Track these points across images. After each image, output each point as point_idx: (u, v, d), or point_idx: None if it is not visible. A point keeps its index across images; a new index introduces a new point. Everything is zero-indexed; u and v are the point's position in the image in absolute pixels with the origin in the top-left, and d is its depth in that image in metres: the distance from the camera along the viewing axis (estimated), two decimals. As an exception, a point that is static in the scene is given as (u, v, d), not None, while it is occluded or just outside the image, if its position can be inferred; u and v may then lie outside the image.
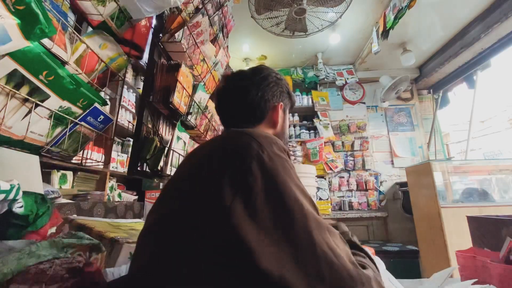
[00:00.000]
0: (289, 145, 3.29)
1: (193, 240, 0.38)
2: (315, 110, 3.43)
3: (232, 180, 0.40)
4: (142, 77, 2.26)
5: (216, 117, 1.67)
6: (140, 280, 0.40)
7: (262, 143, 0.45)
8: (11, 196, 0.47)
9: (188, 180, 0.47)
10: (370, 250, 0.90)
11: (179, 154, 1.17)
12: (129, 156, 1.35)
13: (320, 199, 3.08)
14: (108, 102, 1.49)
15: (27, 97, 0.61)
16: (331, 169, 3.23)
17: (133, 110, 2.10)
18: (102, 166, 1.61)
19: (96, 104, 0.80)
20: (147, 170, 1.07)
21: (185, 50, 1.17)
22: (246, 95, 0.67)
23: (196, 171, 0.47)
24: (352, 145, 3.36)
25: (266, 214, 0.38)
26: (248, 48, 3.10)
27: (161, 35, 1.13)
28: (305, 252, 0.36)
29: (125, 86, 1.99)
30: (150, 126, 1.11)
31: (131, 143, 1.08)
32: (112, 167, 1.77)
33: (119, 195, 1.79)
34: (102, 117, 0.85)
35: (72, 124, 0.76)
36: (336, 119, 3.50)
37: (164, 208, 0.48)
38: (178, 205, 0.44)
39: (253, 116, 0.66)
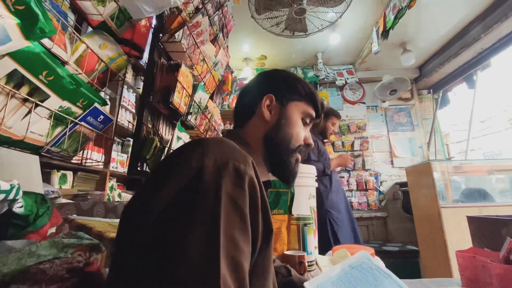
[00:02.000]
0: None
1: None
2: (315, 110, 3.44)
3: None
4: (142, 77, 2.27)
5: (216, 117, 1.67)
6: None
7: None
8: (11, 196, 0.47)
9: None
10: (370, 250, 0.90)
11: (179, 154, 1.16)
12: (129, 156, 1.35)
13: (320, 199, 3.08)
14: (108, 102, 1.49)
15: (27, 97, 0.61)
16: (331, 169, 3.23)
17: (133, 110, 2.11)
18: (102, 166, 1.62)
19: (96, 104, 0.80)
20: (147, 170, 1.07)
21: (185, 50, 1.17)
22: (241, 99, 0.69)
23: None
24: (352, 145, 3.37)
25: None
26: (248, 48, 3.10)
27: (161, 35, 1.13)
28: None
29: (125, 86, 2.00)
30: (150, 126, 1.11)
31: (131, 143, 1.08)
32: (112, 167, 1.78)
33: (119, 195, 1.79)
34: (102, 117, 0.85)
35: (72, 124, 0.76)
36: (336, 119, 3.50)
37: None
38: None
39: (242, 115, 0.65)
